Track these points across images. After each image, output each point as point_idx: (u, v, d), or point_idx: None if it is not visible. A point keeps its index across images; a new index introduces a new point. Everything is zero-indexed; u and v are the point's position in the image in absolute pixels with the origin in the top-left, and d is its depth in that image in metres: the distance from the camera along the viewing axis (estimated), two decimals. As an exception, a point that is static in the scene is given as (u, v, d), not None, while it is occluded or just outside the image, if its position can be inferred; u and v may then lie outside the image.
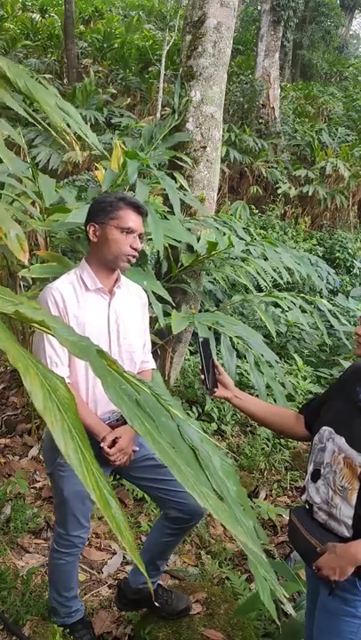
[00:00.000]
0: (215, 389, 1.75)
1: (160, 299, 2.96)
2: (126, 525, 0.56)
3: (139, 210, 1.91)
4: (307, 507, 1.59)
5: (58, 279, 1.93)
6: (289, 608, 0.77)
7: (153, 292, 2.84)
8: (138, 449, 1.94)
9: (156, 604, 2.11)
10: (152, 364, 2.17)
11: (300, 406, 1.83)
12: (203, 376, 1.74)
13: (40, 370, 0.57)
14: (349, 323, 4.97)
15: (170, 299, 3.00)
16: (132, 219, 1.88)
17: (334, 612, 1.49)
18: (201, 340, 1.78)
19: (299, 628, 1.87)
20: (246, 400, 1.78)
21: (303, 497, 1.62)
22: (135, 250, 1.89)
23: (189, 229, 3.35)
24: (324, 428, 1.56)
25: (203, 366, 1.74)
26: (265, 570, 0.69)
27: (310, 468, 1.59)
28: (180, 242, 3.22)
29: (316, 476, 1.56)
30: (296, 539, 1.59)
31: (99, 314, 1.91)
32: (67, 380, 1.85)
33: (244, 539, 0.61)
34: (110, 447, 1.85)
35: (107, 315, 1.93)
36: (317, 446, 1.57)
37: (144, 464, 1.96)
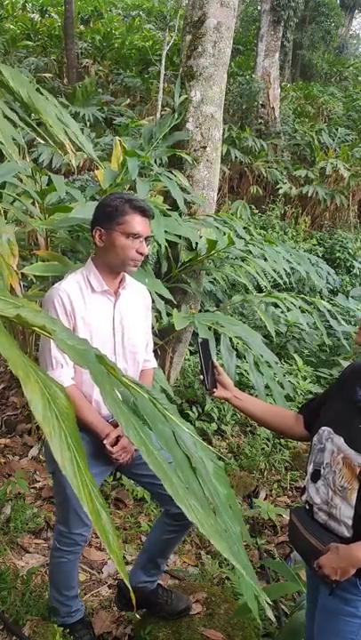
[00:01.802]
0: (215, 390, 1.75)
1: (162, 297, 2.96)
2: (115, 538, 0.57)
3: (145, 213, 1.88)
4: (307, 507, 1.59)
5: (64, 279, 1.93)
6: (270, 614, 0.79)
7: (154, 290, 2.85)
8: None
9: (155, 601, 2.10)
10: (153, 363, 2.18)
11: (300, 406, 1.83)
12: (202, 376, 1.74)
13: (40, 377, 0.57)
14: (349, 323, 4.97)
15: (171, 297, 3.00)
16: (138, 223, 1.86)
17: (334, 611, 1.49)
18: (200, 340, 1.78)
19: (299, 628, 1.87)
20: (246, 400, 1.78)
21: (303, 497, 1.62)
22: (141, 254, 1.88)
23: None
24: (324, 428, 1.56)
25: (202, 367, 1.74)
26: (249, 576, 0.70)
27: (310, 469, 1.59)
28: (180, 237, 3.22)
29: (315, 476, 1.56)
30: (296, 538, 1.59)
31: (104, 315, 1.92)
32: (71, 382, 1.86)
33: (227, 554, 0.63)
34: (113, 445, 1.86)
35: (112, 316, 1.93)
36: (317, 447, 1.57)
37: (145, 461, 1.96)
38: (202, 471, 0.73)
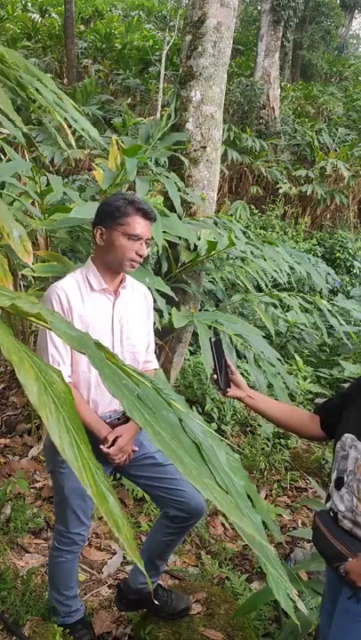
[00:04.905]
0: (228, 389, 1.74)
1: (162, 295, 2.95)
2: (125, 521, 0.55)
3: (147, 216, 1.88)
4: (331, 514, 1.57)
5: (63, 278, 1.93)
6: (301, 605, 0.76)
7: (155, 289, 2.84)
8: (137, 449, 1.95)
9: (156, 601, 2.10)
10: (155, 364, 2.17)
11: (316, 408, 1.82)
12: (215, 376, 1.72)
13: (35, 363, 0.56)
14: (349, 323, 4.96)
15: (172, 293, 2.98)
16: (140, 225, 1.86)
17: (355, 614, 1.48)
18: (213, 339, 1.78)
19: (299, 630, 1.87)
20: (259, 399, 1.77)
21: (328, 504, 1.59)
22: (140, 256, 1.88)
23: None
24: (346, 435, 1.54)
25: (215, 366, 1.73)
26: (273, 565, 0.67)
27: (333, 476, 1.57)
28: (180, 238, 3.21)
29: (339, 483, 1.54)
30: (320, 542, 1.57)
31: (103, 314, 1.91)
32: (68, 379, 1.85)
33: (250, 530, 0.59)
34: (110, 447, 1.85)
35: (111, 315, 1.93)
36: (340, 454, 1.55)
37: (143, 462, 1.96)
38: (212, 459, 0.70)
